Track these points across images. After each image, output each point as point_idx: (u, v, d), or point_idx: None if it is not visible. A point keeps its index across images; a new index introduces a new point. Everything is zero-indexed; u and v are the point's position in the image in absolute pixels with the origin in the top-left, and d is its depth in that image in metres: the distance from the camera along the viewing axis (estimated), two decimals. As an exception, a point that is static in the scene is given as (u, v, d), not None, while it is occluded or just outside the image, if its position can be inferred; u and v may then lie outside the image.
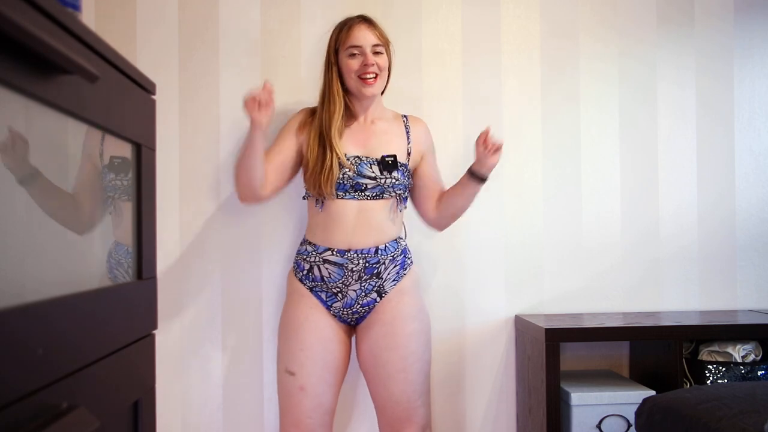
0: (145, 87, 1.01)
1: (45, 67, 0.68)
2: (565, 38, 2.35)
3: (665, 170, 2.38)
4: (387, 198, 1.91)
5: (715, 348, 2.12)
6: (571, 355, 2.35)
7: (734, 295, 2.40)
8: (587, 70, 2.35)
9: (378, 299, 1.92)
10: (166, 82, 2.18)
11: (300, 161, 1.98)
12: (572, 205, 2.35)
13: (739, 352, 2.09)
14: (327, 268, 1.89)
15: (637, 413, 1.71)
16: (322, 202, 1.91)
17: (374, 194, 1.89)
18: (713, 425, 1.42)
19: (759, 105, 2.41)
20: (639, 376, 2.27)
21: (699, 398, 1.56)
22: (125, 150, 0.87)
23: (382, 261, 1.90)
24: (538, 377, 2.04)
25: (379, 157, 1.90)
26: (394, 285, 1.93)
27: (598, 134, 2.36)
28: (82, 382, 0.76)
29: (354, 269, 1.88)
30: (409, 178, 1.96)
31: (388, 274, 1.92)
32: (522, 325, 2.23)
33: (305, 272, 1.93)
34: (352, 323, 1.96)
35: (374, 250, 1.89)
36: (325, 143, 1.88)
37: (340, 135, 1.90)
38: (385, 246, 1.91)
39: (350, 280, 1.89)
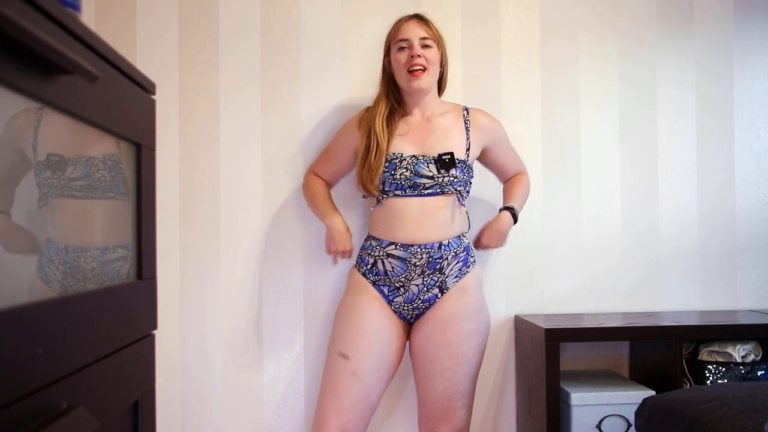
0: (145, 87, 1.01)
1: (45, 67, 0.68)
2: (565, 38, 2.35)
3: (665, 170, 2.38)
4: (447, 194, 1.90)
5: (715, 348, 2.12)
6: (571, 355, 2.35)
7: (734, 295, 2.40)
8: (587, 70, 2.35)
9: (439, 295, 1.90)
10: (166, 82, 2.18)
11: (355, 161, 2.02)
12: (572, 205, 2.35)
13: (739, 352, 2.09)
14: (390, 262, 1.90)
15: (637, 413, 1.71)
16: (379, 200, 1.91)
17: (433, 192, 1.88)
18: (713, 425, 1.42)
19: (759, 105, 2.41)
20: (639, 376, 2.27)
21: (699, 398, 1.56)
22: (63, 147, 0.85)
23: (445, 256, 1.89)
24: (538, 377, 2.04)
25: (436, 155, 1.89)
26: (456, 281, 1.91)
27: (598, 134, 2.36)
28: (82, 382, 0.76)
29: (417, 264, 1.88)
30: (469, 173, 1.94)
31: (451, 270, 1.91)
32: (522, 325, 2.23)
33: (369, 266, 1.93)
34: (411, 320, 1.95)
35: (437, 245, 1.89)
36: (370, 141, 1.91)
37: (388, 128, 1.92)
38: (449, 242, 1.91)
39: (413, 275, 1.89)
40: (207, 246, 2.20)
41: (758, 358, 2.11)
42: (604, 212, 2.36)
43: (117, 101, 0.90)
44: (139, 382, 1.00)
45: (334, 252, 2.02)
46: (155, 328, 1.07)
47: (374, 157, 1.88)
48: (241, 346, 2.21)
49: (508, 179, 2.15)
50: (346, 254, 2.02)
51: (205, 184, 2.21)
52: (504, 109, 2.32)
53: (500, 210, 2.08)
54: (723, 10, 2.40)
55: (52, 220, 0.84)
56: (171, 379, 2.17)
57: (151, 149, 1.05)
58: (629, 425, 2.00)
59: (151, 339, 1.05)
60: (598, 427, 2.01)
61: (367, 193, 1.92)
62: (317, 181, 2.10)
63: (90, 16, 2.13)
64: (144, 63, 2.16)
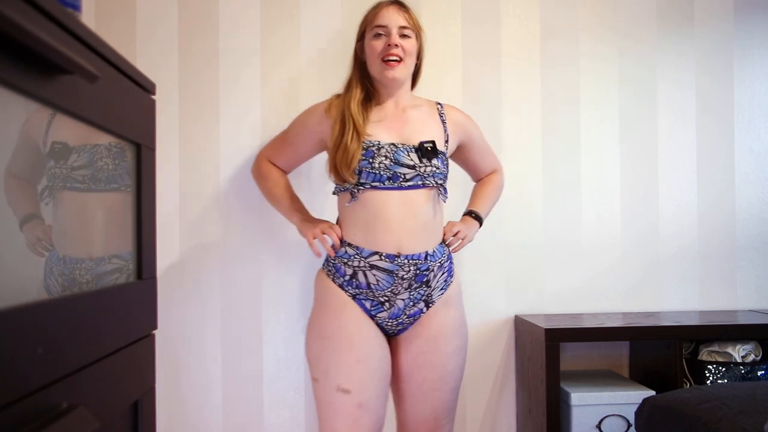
0: (145, 87, 1.01)
1: (45, 67, 0.68)
2: (565, 38, 2.35)
3: (665, 170, 2.38)
4: (429, 188, 1.72)
5: (715, 348, 2.12)
6: (571, 355, 2.35)
7: (734, 295, 2.40)
8: (587, 70, 2.35)
9: (424, 309, 1.75)
10: (166, 82, 2.18)
11: (315, 151, 1.92)
12: (572, 205, 2.35)
13: (739, 352, 2.09)
14: (375, 275, 1.69)
15: (637, 413, 1.71)
16: (354, 194, 1.70)
17: (415, 185, 1.70)
18: (713, 425, 1.42)
19: (759, 105, 2.41)
20: (639, 376, 2.27)
21: (699, 398, 1.56)
22: (67, 134, 0.82)
23: (431, 268, 1.73)
24: (538, 377, 2.04)
25: (416, 143, 1.72)
26: (441, 294, 1.77)
27: (598, 134, 2.36)
28: (82, 382, 0.76)
29: (405, 277, 1.70)
30: (447, 167, 1.79)
31: (437, 282, 1.76)
32: (522, 325, 2.23)
33: (347, 278, 1.72)
34: (393, 334, 1.79)
35: (424, 255, 1.71)
36: (345, 124, 1.72)
37: (364, 112, 1.75)
38: (434, 251, 1.74)
39: (400, 289, 1.71)
40: (207, 246, 2.20)
41: (758, 358, 2.11)
42: (604, 212, 2.36)
43: (117, 101, 0.90)
44: (139, 382, 0.99)
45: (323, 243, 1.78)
46: (155, 328, 1.07)
47: (351, 138, 1.68)
48: (241, 346, 2.21)
49: (481, 179, 2.04)
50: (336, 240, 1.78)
51: (205, 184, 2.21)
52: (504, 109, 2.32)
53: (463, 215, 1.94)
54: (723, 10, 2.40)
55: (57, 223, 0.82)
56: (171, 379, 2.17)
57: (151, 149, 1.05)
58: (629, 425, 2.00)
59: (151, 339, 1.05)
60: (598, 427, 2.01)
61: (342, 181, 1.70)
62: (274, 170, 1.95)
63: (90, 16, 2.13)
64: (144, 63, 2.16)
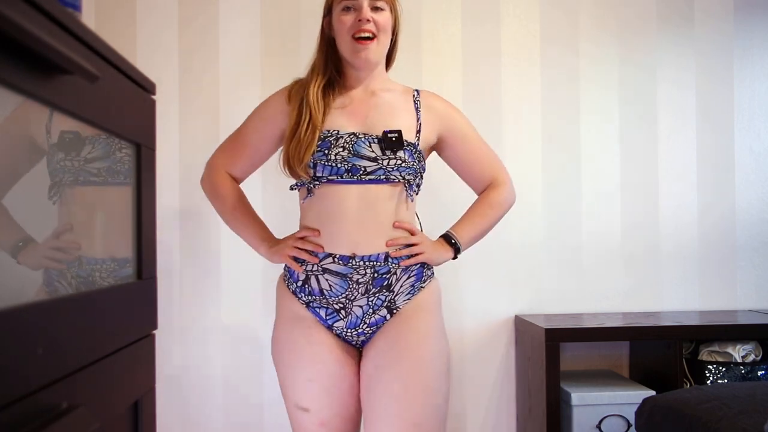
0: (145, 87, 1.01)
1: (45, 67, 0.68)
2: (565, 38, 2.35)
3: (665, 170, 2.38)
4: (394, 184, 1.53)
5: (715, 348, 2.12)
6: (571, 355, 2.35)
7: (734, 295, 2.40)
8: (587, 70, 2.35)
9: (388, 317, 1.54)
10: (166, 82, 2.18)
11: (276, 148, 1.68)
12: (572, 205, 2.35)
13: (739, 352, 2.09)
14: (327, 279, 1.52)
15: (637, 413, 1.71)
16: (310, 190, 1.55)
17: (377, 179, 1.51)
18: (713, 425, 1.42)
19: (759, 105, 2.42)
20: (639, 376, 2.27)
21: (699, 398, 1.56)
22: (77, 123, 0.78)
23: (393, 271, 1.53)
24: (538, 377, 2.04)
25: (380, 133, 1.53)
26: (408, 300, 1.55)
27: (598, 134, 2.36)
28: (82, 382, 0.76)
29: (360, 281, 1.51)
30: (420, 161, 1.57)
31: (401, 287, 1.54)
32: (522, 325, 2.23)
33: (300, 283, 1.56)
34: (358, 345, 1.59)
35: (384, 256, 1.52)
36: (302, 113, 1.55)
37: (324, 99, 1.57)
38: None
39: (355, 294, 1.52)
40: (207, 246, 2.20)
41: (758, 358, 2.11)
42: (604, 212, 2.36)
43: (117, 101, 0.90)
44: (139, 382, 0.99)
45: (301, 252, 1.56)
46: (155, 328, 1.07)
47: (305, 130, 1.51)
48: (241, 345, 2.21)
49: (483, 190, 1.73)
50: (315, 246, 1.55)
51: (205, 184, 2.20)
52: (504, 109, 2.32)
53: (440, 236, 1.65)
54: (723, 10, 2.40)
55: (66, 222, 0.81)
56: (171, 379, 2.17)
57: (151, 149, 1.04)
58: (629, 425, 2.00)
59: (151, 339, 1.05)
60: (598, 427, 2.01)
61: (295, 175, 1.55)
62: (230, 187, 1.68)
63: (90, 16, 2.14)
64: (144, 63, 2.16)
